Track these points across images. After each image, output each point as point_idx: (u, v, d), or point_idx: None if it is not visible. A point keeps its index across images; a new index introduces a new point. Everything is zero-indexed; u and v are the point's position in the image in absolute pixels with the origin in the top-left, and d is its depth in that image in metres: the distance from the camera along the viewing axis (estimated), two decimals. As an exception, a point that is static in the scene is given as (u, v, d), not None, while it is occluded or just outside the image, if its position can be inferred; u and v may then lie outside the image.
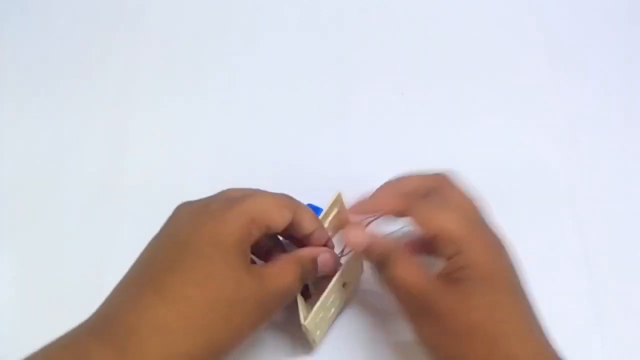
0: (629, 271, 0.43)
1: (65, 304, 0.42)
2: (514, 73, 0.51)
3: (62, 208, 0.46)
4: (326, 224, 0.39)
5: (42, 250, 0.45)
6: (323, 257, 0.36)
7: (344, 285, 0.39)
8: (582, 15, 0.54)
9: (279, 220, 0.34)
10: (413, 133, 0.48)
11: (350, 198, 0.40)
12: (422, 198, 0.34)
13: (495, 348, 0.30)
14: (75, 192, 0.47)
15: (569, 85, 0.51)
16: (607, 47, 0.53)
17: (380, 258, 0.34)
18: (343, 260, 0.38)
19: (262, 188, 0.36)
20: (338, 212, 0.41)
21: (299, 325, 0.36)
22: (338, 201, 0.40)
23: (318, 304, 0.36)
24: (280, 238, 0.39)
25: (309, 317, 0.36)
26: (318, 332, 0.38)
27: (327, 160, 0.47)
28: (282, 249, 0.38)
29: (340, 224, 0.42)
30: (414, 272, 0.33)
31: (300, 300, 0.36)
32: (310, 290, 0.39)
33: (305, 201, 0.38)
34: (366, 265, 0.41)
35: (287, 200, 0.35)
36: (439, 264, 0.33)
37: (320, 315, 0.37)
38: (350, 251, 0.38)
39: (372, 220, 0.37)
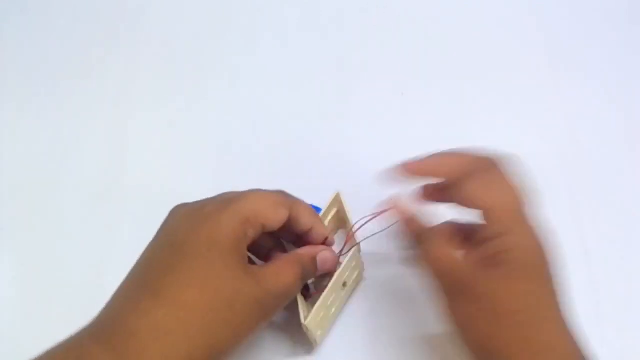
0: (628, 270, 0.43)
1: (65, 304, 0.42)
2: (514, 73, 0.51)
3: (62, 208, 0.46)
4: (325, 224, 0.39)
5: (42, 250, 0.45)
6: (322, 255, 0.36)
7: (344, 284, 0.39)
8: (582, 15, 0.54)
9: (275, 218, 0.34)
10: (413, 133, 0.48)
11: (349, 198, 0.40)
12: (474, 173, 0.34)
13: (533, 335, 0.30)
14: (75, 192, 0.47)
15: (569, 85, 0.51)
16: (607, 47, 0.53)
17: (420, 232, 0.34)
18: (342, 259, 0.38)
19: (261, 188, 0.36)
20: (337, 212, 0.41)
21: (299, 325, 0.36)
22: (337, 201, 0.40)
23: (318, 303, 0.36)
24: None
25: (310, 317, 0.36)
26: (319, 332, 0.38)
27: (327, 160, 0.47)
28: (283, 249, 0.38)
29: (340, 223, 0.42)
30: (451, 250, 0.32)
31: (300, 300, 0.36)
32: (310, 289, 0.39)
33: (304, 201, 0.38)
34: (366, 265, 0.41)
35: (283, 197, 0.35)
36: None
37: (321, 314, 0.37)
38: (349, 250, 0.38)
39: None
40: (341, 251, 0.39)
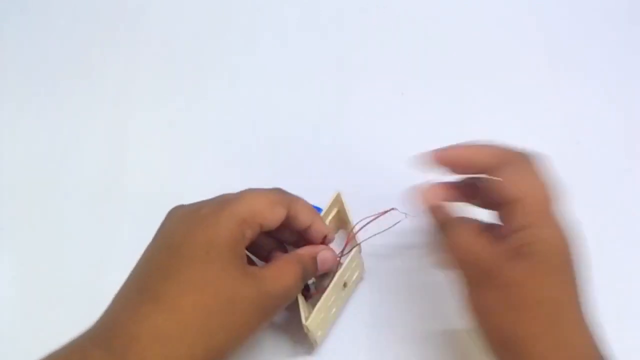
0: (629, 270, 0.43)
1: (65, 304, 0.42)
2: (514, 73, 0.51)
3: (62, 208, 0.46)
4: (326, 224, 0.39)
5: (42, 250, 0.45)
6: (322, 255, 0.36)
7: (344, 285, 0.39)
8: (582, 15, 0.54)
9: (272, 217, 0.34)
10: (413, 133, 0.48)
11: (349, 198, 0.40)
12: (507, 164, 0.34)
13: (556, 328, 0.30)
14: (75, 192, 0.47)
15: (569, 85, 0.51)
16: (607, 47, 0.53)
17: (446, 220, 0.34)
18: (343, 259, 0.38)
19: (261, 187, 0.35)
20: (338, 212, 0.41)
21: (300, 325, 0.36)
22: (338, 201, 0.40)
23: (319, 304, 0.36)
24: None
25: (311, 318, 0.36)
26: (319, 333, 0.38)
27: (327, 160, 0.47)
28: (283, 249, 0.38)
29: (340, 223, 0.42)
30: (478, 238, 0.32)
31: (301, 300, 0.36)
32: (310, 290, 0.39)
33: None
34: (367, 265, 0.41)
35: (280, 195, 0.35)
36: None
37: (322, 315, 0.37)
38: (350, 251, 0.38)
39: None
40: (342, 251, 0.39)
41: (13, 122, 0.50)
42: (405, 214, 0.39)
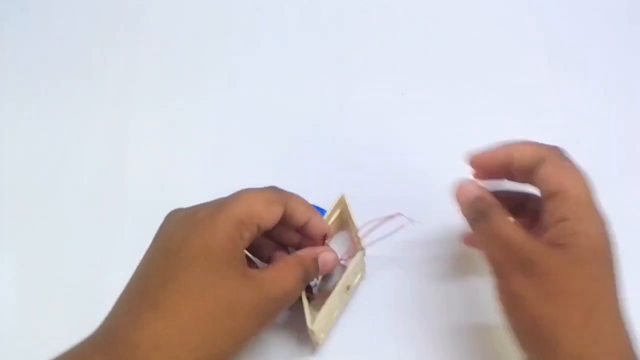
0: (629, 271, 0.43)
1: (65, 304, 0.42)
2: (514, 73, 0.51)
3: (62, 208, 0.46)
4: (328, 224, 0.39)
5: (42, 250, 0.45)
6: (323, 256, 0.36)
7: (347, 287, 0.39)
8: (582, 15, 0.54)
9: (269, 217, 0.33)
10: (413, 133, 0.48)
11: (350, 198, 0.40)
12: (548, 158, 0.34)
13: (591, 319, 0.29)
14: (75, 192, 0.47)
15: (569, 85, 0.51)
16: (607, 47, 0.53)
17: (485, 207, 0.33)
18: (347, 263, 0.38)
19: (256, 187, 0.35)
20: (340, 213, 0.41)
21: (301, 324, 0.36)
22: (342, 202, 0.40)
23: (325, 309, 0.36)
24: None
25: (316, 322, 0.35)
26: (322, 335, 0.38)
27: (326, 159, 0.47)
28: (285, 249, 0.38)
29: (342, 225, 0.42)
30: (517, 226, 0.32)
31: (305, 303, 0.36)
32: (313, 292, 0.38)
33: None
34: (368, 266, 0.41)
35: (275, 194, 0.34)
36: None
37: (326, 319, 0.37)
38: (350, 257, 0.38)
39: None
40: (348, 255, 0.38)
41: (13, 122, 0.50)
42: (410, 219, 0.39)
